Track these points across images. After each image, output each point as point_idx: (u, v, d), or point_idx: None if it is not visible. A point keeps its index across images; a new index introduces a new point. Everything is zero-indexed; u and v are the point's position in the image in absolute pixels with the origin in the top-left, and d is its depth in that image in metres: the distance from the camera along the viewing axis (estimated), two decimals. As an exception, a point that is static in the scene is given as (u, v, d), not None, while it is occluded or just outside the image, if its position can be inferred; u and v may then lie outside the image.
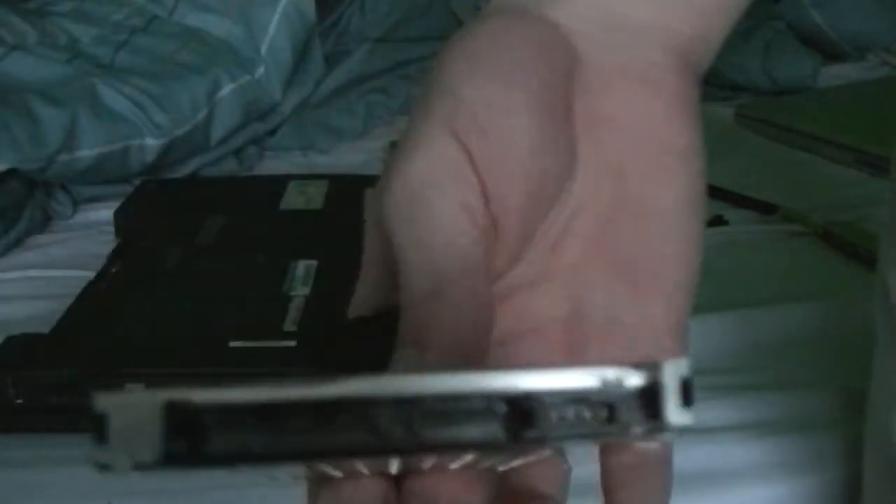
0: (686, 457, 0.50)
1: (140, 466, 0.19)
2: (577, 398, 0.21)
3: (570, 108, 0.29)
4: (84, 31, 0.97)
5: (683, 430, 0.21)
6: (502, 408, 0.20)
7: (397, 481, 0.25)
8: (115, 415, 0.19)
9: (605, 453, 0.29)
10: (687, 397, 0.21)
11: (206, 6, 1.01)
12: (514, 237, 0.28)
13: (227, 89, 0.94)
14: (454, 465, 0.24)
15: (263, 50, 1.00)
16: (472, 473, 0.24)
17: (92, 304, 0.63)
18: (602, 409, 0.21)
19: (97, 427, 0.19)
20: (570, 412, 0.21)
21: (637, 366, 0.21)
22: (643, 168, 0.30)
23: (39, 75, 0.88)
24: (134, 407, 0.19)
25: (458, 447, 0.21)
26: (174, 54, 0.96)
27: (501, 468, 0.26)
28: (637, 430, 0.21)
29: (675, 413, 0.21)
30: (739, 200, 0.82)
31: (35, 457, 0.52)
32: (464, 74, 0.28)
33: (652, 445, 0.29)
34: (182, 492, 0.50)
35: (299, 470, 0.24)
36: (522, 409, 0.20)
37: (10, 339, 0.57)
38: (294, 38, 1.02)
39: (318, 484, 0.25)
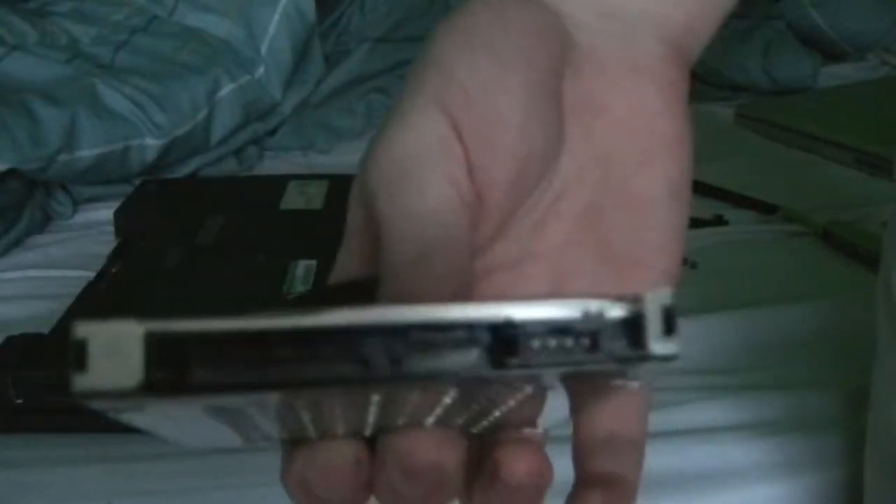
0: (686, 457, 0.51)
1: (120, 395, 0.19)
2: (560, 328, 0.21)
3: (561, 91, 0.29)
4: (84, 31, 0.97)
5: (667, 359, 0.21)
6: (486, 337, 0.20)
7: (370, 444, 0.25)
8: (95, 343, 0.19)
9: (577, 428, 0.29)
10: (670, 327, 0.21)
11: (206, 6, 1.01)
12: (498, 213, 0.28)
13: (227, 89, 0.94)
14: (429, 421, 0.24)
15: (263, 50, 1.00)
16: (446, 432, 0.24)
17: (92, 304, 0.63)
18: (585, 339, 0.21)
19: (77, 355, 0.19)
20: (552, 342, 0.21)
21: (619, 298, 0.21)
22: (631, 156, 0.30)
23: (39, 75, 0.88)
24: (115, 336, 0.19)
25: (443, 377, 0.20)
26: (174, 54, 0.96)
27: (474, 430, 0.27)
28: (620, 358, 0.21)
29: (657, 342, 0.21)
30: (739, 200, 0.82)
31: (35, 457, 0.52)
32: (458, 54, 0.28)
33: (625, 424, 0.29)
34: (182, 492, 0.50)
35: (274, 429, 0.25)
36: (505, 338, 0.20)
37: (10, 339, 0.57)
38: (294, 38, 1.02)
39: (294, 445, 0.26)
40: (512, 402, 0.24)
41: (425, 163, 0.27)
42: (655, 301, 0.21)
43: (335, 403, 0.22)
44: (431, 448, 0.24)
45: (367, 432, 0.25)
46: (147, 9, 1.01)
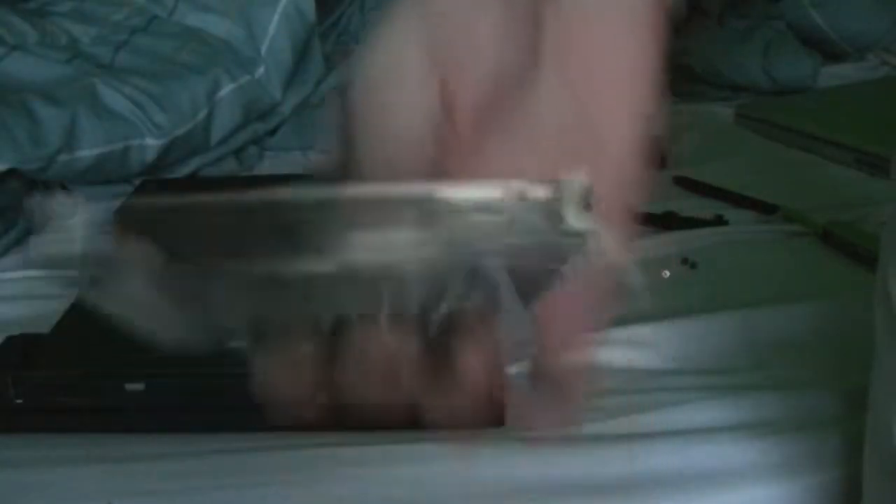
0: (686, 457, 0.51)
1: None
2: (484, 206, 0.23)
3: (540, 23, 0.30)
4: (84, 31, 0.97)
5: (582, 235, 0.23)
6: (413, 211, 0.23)
7: (330, 338, 0.27)
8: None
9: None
10: (586, 205, 0.23)
11: (206, 6, 1.01)
12: (468, 135, 0.29)
13: (227, 89, 0.94)
14: (383, 317, 0.25)
15: (263, 50, 1.00)
16: (399, 325, 0.26)
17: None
18: (507, 215, 0.23)
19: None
20: (476, 217, 0.23)
21: (540, 181, 0.24)
22: (609, 111, 0.31)
23: (39, 75, 0.88)
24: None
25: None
26: (174, 54, 0.96)
27: (433, 316, 0.28)
28: (541, 231, 0.23)
29: (574, 219, 0.23)
30: (739, 200, 0.82)
31: (35, 457, 0.52)
32: None
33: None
34: (182, 492, 0.50)
35: (242, 332, 0.27)
36: (430, 212, 0.23)
37: (10, 339, 0.57)
38: (294, 38, 1.02)
39: (259, 346, 0.28)
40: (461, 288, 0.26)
41: (397, 80, 0.29)
42: (572, 182, 0.23)
43: (288, 291, 0.24)
44: (384, 341, 0.26)
45: (326, 327, 0.27)
46: (147, 9, 1.01)
